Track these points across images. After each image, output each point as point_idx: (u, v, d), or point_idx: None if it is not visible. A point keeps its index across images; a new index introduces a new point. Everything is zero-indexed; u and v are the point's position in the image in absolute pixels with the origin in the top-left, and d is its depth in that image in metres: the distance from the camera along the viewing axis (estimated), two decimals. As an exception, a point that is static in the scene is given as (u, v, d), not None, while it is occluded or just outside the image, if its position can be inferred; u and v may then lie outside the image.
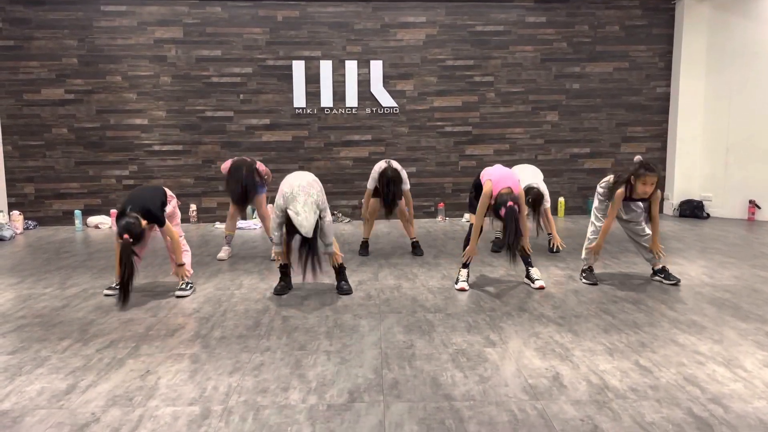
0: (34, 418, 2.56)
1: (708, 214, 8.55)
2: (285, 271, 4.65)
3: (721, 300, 4.27)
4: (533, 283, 4.69)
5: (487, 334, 3.58)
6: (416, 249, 6.11)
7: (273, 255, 5.82)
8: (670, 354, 3.23)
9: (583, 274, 4.90)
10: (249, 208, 8.49)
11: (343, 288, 4.58)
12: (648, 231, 4.83)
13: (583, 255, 4.92)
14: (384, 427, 2.46)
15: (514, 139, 8.90)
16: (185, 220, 8.60)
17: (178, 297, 4.51)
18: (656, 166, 4.56)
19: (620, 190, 4.61)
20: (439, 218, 8.73)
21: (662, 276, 4.81)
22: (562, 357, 3.20)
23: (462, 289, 4.62)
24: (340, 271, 4.64)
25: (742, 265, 5.39)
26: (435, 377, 2.95)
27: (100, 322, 3.91)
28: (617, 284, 4.77)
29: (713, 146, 8.64)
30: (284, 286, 4.62)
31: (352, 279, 5.02)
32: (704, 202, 8.61)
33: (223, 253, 6.01)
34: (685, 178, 8.84)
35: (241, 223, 8.18)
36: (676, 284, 4.71)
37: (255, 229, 7.94)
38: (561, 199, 8.91)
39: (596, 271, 5.15)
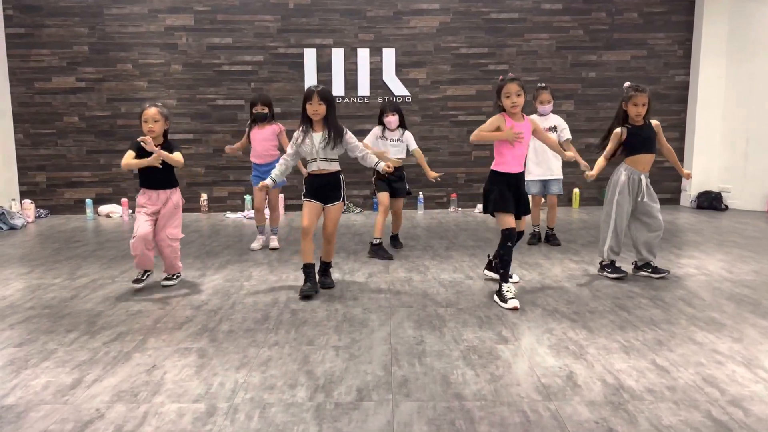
0: (38, 413, 2.53)
1: (726, 206, 8.38)
2: (309, 271, 4.33)
3: (740, 296, 4.16)
4: (505, 303, 3.95)
5: (500, 330, 3.51)
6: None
7: (272, 244, 5.84)
8: (688, 353, 3.14)
9: (607, 269, 4.67)
10: (249, 199, 8.45)
11: (326, 283, 4.50)
12: (660, 226, 4.63)
13: (605, 253, 4.67)
14: (392, 427, 2.40)
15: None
16: (196, 209, 8.58)
17: (164, 286, 4.55)
18: (645, 87, 4.46)
19: (617, 130, 4.55)
20: (452, 209, 8.64)
21: (649, 270, 4.66)
22: (576, 355, 3.12)
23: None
24: (325, 267, 4.57)
25: (761, 260, 5.26)
26: (445, 375, 2.88)
27: (109, 313, 3.89)
28: (633, 279, 4.66)
29: (732, 137, 8.45)
30: (310, 287, 4.26)
31: (363, 271, 4.97)
32: (723, 194, 8.44)
33: (255, 243, 5.94)
34: (703, 169, 8.67)
35: (252, 213, 8.14)
36: (664, 277, 4.62)
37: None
38: (576, 190, 8.78)
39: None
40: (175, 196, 4.56)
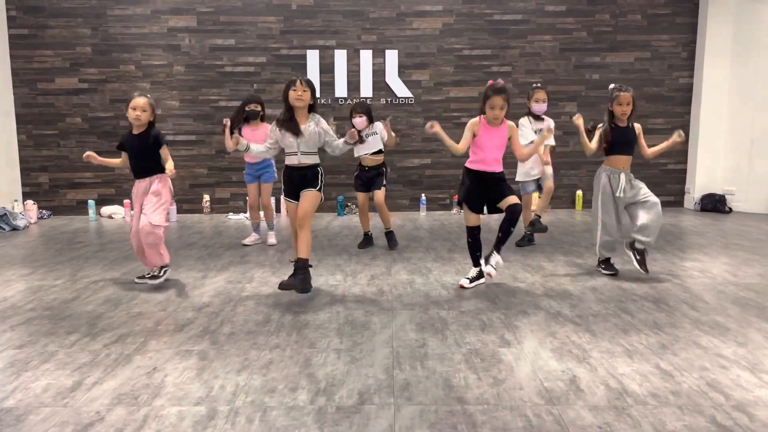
0: (38, 416, 2.52)
1: (730, 209, 8.34)
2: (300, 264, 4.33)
3: (745, 300, 4.13)
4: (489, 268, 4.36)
5: (502, 333, 3.49)
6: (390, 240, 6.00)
7: (270, 240, 6.09)
8: (693, 357, 3.12)
9: (602, 266, 4.88)
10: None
11: (294, 284, 4.20)
12: (653, 197, 4.64)
13: (597, 252, 4.90)
14: (394, 431, 2.38)
15: (532, 130, 8.73)
16: (198, 210, 8.58)
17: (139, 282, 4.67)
18: (629, 87, 4.62)
19: (605, 128, 4.69)
20: (454, 210, 8.62)
21: (638, 259, 4.64)
22: (580, 359, 3.10)
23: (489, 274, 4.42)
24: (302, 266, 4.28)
25: (766, 263, 5.22)
26: (447, 379, 2.86)
27: (110, 315, 3.87)
28: (636, 282, 4.63)
29: (737, 138, 8.41)
30: (303, 279, 4.24)
31: (365, 273, 4.95)
32: (727, 196, 8.40)
33: (249, 239, 6.27)
34: (707, 171, 8.63)
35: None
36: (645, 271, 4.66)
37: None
38: (579, 192, 8.75)
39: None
40: (156, 183, 4.60)
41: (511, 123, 4.38)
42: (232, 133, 5.68)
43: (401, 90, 8.55)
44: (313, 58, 8.44)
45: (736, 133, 8.42)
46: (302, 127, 4.26)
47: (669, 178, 8.83)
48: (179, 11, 8.30)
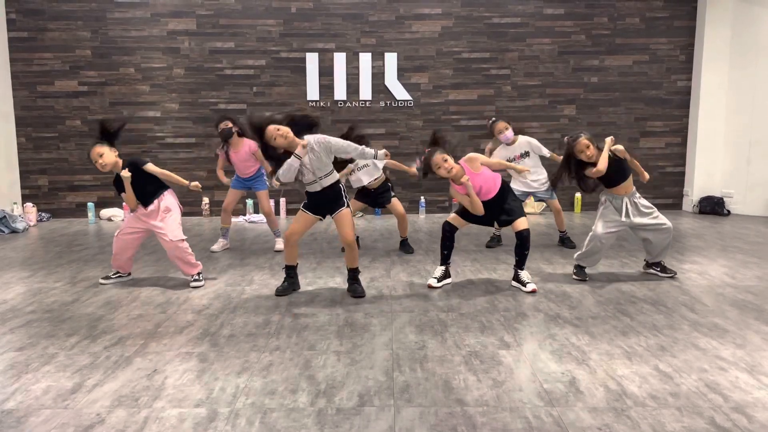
0: (38, 418, 2.52)
1: (729, 211, 8.35)
2: (289, 272, 4.48)
3: (743, 302, 4.15)
4: (524, 286, 4.45)
5: (502, 335, 3.50)
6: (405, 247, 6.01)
7: (277, 246, 5.95)
8: (691, 359, 3.13)
9: (575, 270, 4.84)
10: (251, 203, 8.45)
11: (356, 290, 4.38)
12: (664, 221, 4.65)
13: (576, 255, 4.85)
14: (394, 433, 2.39)
15: (531, 133, 8.66)
16: (197, 213, 8.58)
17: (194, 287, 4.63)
18: (578, 133, 4.61)
19: (590, 170, 4.54)
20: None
21: (658, 269, 4.88)
22: (579, 361, 3.11)
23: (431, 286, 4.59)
24: (353, 275, 4.44)
25: (765, 265, 5.24)
26: (447, 380, 2.87)
27: (110, 317, 3.88)
28: (636, 284, 4.65)
29: (735, 141, 8.43)
30: (286, 287, 4.44)
31: (364, 275, 4.95)
32: (725, 199, 8.42)
33: (217, 245, 6.05)
34: (705, 174, 8.64)
35: (254, 217, 8.16)
36: (672, 277, 4.80)
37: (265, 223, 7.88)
38: (578, 195, 8.76)
39: (613, 270, 5.06)
40: (164, 201, 4.63)
41: (474, 158, 4.60)
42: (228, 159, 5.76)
43: (400, 93, 8.57)
44: (312, 61, 8.45)
45: (734, 136, 8.43)
46: (304, 160, 4.10)
47: (667, 181, 8.85)
48: (179, 14, 8.32)
